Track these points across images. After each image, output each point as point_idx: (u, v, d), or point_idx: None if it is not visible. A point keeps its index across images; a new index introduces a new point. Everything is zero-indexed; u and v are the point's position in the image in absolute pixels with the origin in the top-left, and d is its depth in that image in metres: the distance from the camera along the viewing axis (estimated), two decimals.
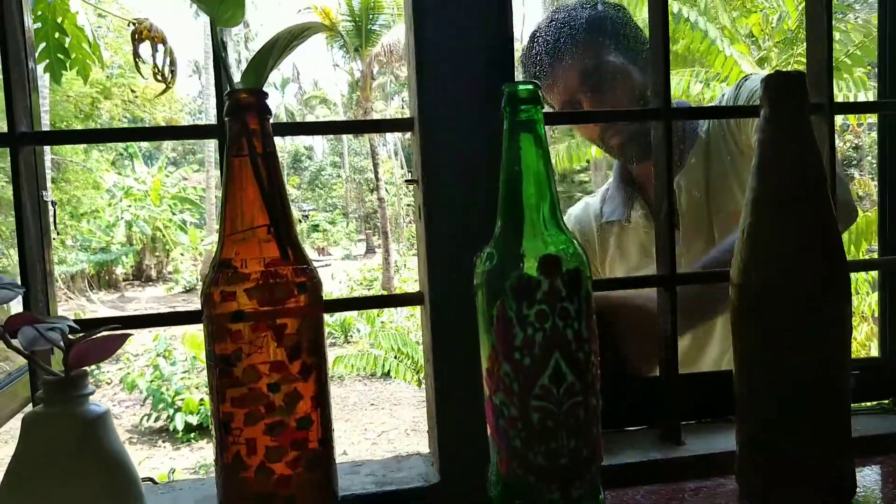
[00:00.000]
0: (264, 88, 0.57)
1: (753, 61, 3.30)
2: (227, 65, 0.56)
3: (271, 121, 0.55)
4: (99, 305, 14.82)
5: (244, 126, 0.54)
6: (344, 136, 31.28)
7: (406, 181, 0.66)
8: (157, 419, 7.14)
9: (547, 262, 0.54)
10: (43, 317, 0.56)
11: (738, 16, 3.50)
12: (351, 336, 10.12)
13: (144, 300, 15.60)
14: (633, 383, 0.81)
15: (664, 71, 0.69)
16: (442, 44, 0.64)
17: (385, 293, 12.17)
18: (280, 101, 33.31)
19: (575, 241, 0.57)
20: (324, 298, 0.61)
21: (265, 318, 0.52)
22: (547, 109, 1.13)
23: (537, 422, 0.54)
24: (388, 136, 24.84)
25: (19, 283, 0.60)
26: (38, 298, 0.64)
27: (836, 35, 2.56)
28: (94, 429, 0.52)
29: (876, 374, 0.86)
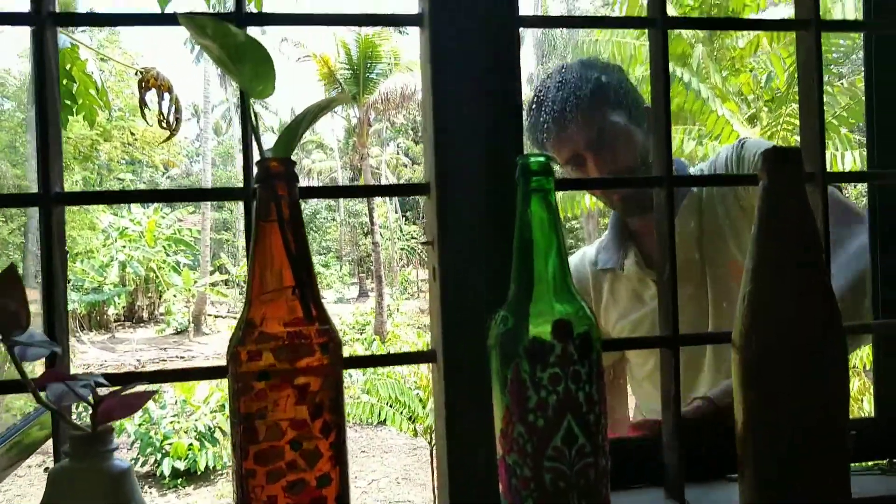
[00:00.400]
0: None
1: (744, 119, 3.41)
2: (259, 134, 0.59)
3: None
4: (89, 346, 14.68)
5: (273, 193, 0.57)
6: (339, 179, 31.57)
7: (422, 243, 0.68)
8: (143, 463, 7.02)
9: (559, 326, 0.57)
10: (70, 372, 0.57)
11: (727, 75, 3.62)
12: (345, 379, 10.03)
13: (135, 341, 15.47)
14: (637, 441, 0.82)
15: (666, 140, 0.73)
16: (458, 113, 0.68)
17: (377, 338, 12.12)
18: None
19: (584, 305, 0.60)
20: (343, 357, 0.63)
21: (289, 377, 0.54)
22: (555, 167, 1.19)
23: (550, 482, 0.55)
24: (382, 180, 25.07)
25: (47, 337, 0.62)
26: (62, 353, 0.65)
27: (824, 98, 2.64)
28: (119, 484, 0.54)
29: (872, 433, 0.88)
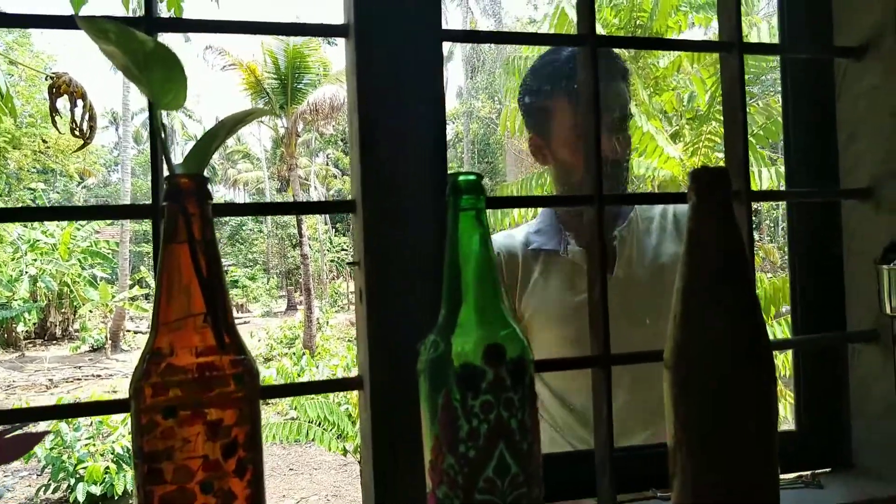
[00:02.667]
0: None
1: (667, 136, 3.52)
2: (167, 148, 0.54)
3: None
4: None
5: (184, 211, 0.53)
6: (266, 190, 30.93)
7: (348, 263, 0.65)
8: (55, 490, 6.61)
9: (492, 350, 0.55)
10: None
11: (651, 93, 3.73)
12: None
13: (47, 360, 14.64)
14: (573, 456, 0.81)
15: (596, 157, 0.72)
16: (384, 127, 0.65)
17: (307, 351, 11.87)
18: None
19: (517, 327, 0.58)
20: (260, 385, 0.59)
21: (199, 413, 0.50)
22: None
23: None
24: (311, 192, 24.73)
25: None
26: None
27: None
28: None
29: (793, 446, 0.90)
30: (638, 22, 3.50)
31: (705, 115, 2.86)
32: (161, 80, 0.53)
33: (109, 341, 15.84)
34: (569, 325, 1.20)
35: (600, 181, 0.72)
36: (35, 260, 15.48)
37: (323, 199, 26.44)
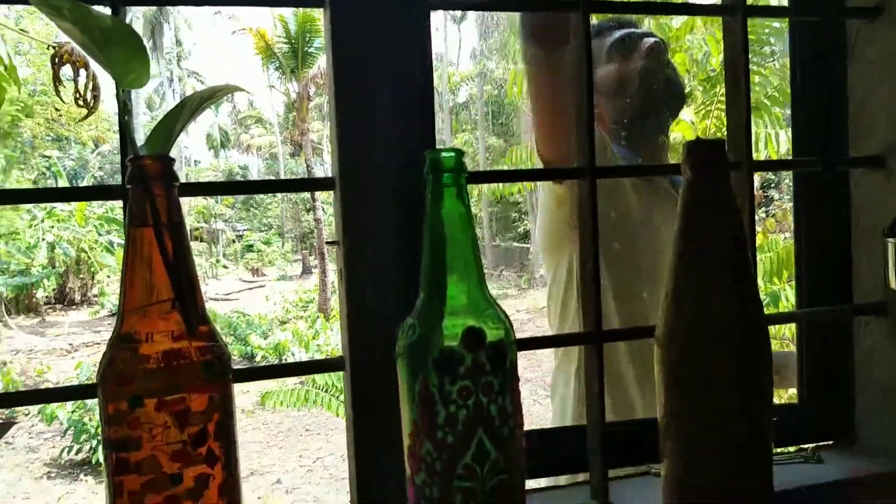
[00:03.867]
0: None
1: None
2: (131, 128, 0.52)
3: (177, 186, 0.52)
4: (17, 332, 14.07)
5: (149, 194, 0.50)
6: (280, 155, 30.90)
7: (327, 243, 0.63)
8: (78, 451, 6.78)
9: (470, 334, 0.53)
10: None
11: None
12: (286, 360, 9.89)
13: (67, 325, 14.90)
14: (566, 433, 0.80)
15: (588, 129, 0.69)
16: (363, 103, 0.62)
17: (321, 315, 11.98)
18: (214, 121, 32.66)
19: (498, 309, 0.56)
20: (236, 368, 0.58)
21: (167, 402, 0.49)
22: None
23: (460, 503, 0.51)
24: (325, 156, 24.64)
25: None
26: None
27: (756, 78, 2.68)
28: None
29: (795, 418, 0.88)
30: None
31: (718, 77, 2.78)
32: (122, 58, 0.51)
33: None
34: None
35: (592, 152, 0.69)
36: (52, 227, 15.63)
37: None
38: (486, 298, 0.56)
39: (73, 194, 0.59)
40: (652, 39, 1.14)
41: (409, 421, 0.54)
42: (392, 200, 0.62)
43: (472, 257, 0.55)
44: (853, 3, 0.82)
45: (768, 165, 0.84)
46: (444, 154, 0.55)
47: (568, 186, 1.05)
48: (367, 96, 0.62)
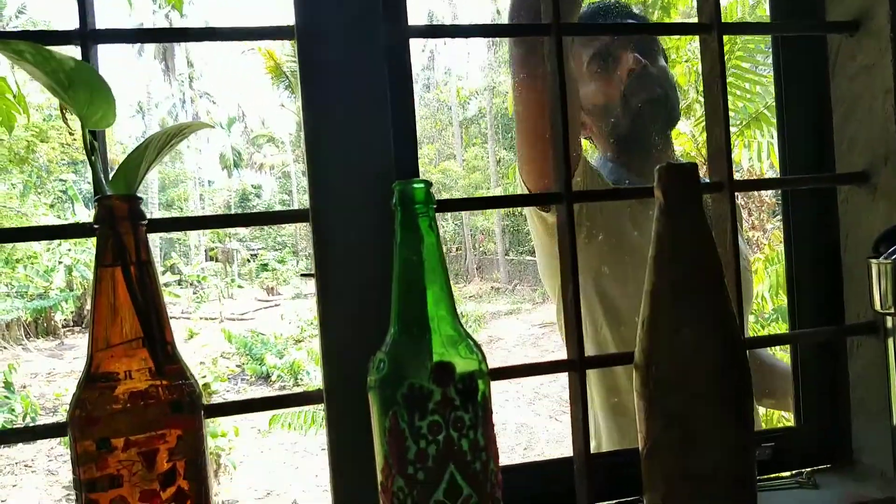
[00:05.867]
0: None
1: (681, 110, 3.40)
2: (98, 168, 0.53)
3: (145, 224, 0.52)
4: (36, 354, 14.20)
5: (115, 234, 0.51)
6: (292, 173, 31.11)
7: (302, 275, 0.63)
8: None
9: (440, 369, 0.52)
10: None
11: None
12: (301, 379, 9.89)
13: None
14: (552, 465, 0.79)
15: (565, 153, 0.69)
16: (332, 135, 0.62)
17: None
18: (227, 141, 32.94)
19: (470, 342, 0.55)
20: (210, 403, 0.58)
21: (133, 443, 0.49)
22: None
23: None
24: None
25: None
26: None
27: (758, 88, 2.66)
28: None
29: (792, 443, 0.86)
30: None
31: None
32: (86, 99, 0.51)
33: None
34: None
35: (569, 178, 0.69)
36: (69, 250, 15.79)
37: None
38: (457, 330, 0.55)
39: (46, 233, 0.60)
40: (631, 58, 1.10)
41: (381, 456, 0.53)
42: (365, 234, 0.62)
43: (443, 288, 0.55)
44: (833, 18, 0.81)
45: (752, 185, 0.83)
46: (413, 185, 0.55)
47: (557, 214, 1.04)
48: (341, 128, 0.63)
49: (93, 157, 0.53)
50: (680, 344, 0.59)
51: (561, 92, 0.68)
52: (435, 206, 0.56)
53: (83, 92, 0.51)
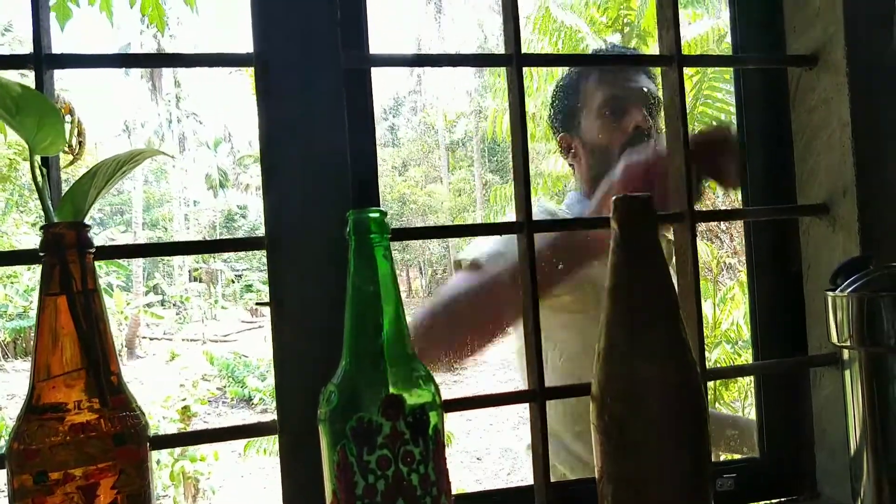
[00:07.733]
0: None
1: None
2: (45, 196, 0.52)
3: (93, 252, 0.52)
4: (13, 375, 13.96)
5: (62, 262, 0.50)
6: None
7: (257, 304, 0.62)
8: None
9: (389, 402, 0.52)
10: None
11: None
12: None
13: None
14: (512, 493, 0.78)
15: (525, 183, 0.69)
16: (288, 163, 0.62)
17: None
18: (213, 162, 32.86)
19: (423, 373, 0.55)
20: (159, 435, 0.57)
21: (72, 477, 0.47)
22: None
23: None
24: None
25: None
26: None
27: (732, 118, 2.69)
28: None
29: (757, 473, 0.86)
30: (626, 19, 3.44)
31: (691, 115, 2.81)
32: (34, 125, 0.51)
33: (125, 348, 15.95)
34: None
35: (529, 207, 0.69)
36: None
37: None
38: (410, 361, 0.55)
39: None
40: (641, 115, 1.10)
41: (330, 491, 0.52)
42: (320, 261, 0.62)
43: (397, 318, 0.54)
44: (793, 51, 0.83)
45: (714, 216, 0.83)
46: (367, 214, 0.55)
47: None
48: (299, 155, 0.62)
49: (41, 184, 0.52)
50: (634, 376, 0.58)
51: (521, 121, 0.68)
52: (389, 236, 0.56)
53: (31, 118, 0.50)
